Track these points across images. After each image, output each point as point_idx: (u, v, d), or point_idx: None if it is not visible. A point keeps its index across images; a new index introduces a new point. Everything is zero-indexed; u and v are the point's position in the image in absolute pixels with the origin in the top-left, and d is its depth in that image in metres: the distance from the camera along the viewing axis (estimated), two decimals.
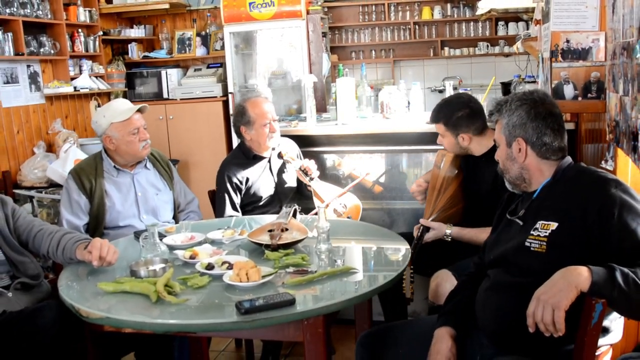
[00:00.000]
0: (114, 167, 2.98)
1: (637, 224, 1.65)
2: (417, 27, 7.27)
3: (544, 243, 1.75)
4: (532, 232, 1.79)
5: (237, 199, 3.25)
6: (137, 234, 2.70)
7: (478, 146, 2.71)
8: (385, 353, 2.06)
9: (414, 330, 2.10)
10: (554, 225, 1.75)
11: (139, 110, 2.97)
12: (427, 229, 2.70)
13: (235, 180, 3.23)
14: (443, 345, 1.90)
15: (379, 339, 2.10)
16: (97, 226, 2.92)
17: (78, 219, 2.88)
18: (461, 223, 2.78)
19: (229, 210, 3.21)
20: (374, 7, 7.30)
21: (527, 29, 6.22)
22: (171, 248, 2.48)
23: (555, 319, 1.55)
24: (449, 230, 2.67)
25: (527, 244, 1.79)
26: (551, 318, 1.55)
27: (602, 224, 1.67)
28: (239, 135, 3.30)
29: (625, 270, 1.57)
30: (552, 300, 1.56)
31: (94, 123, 3.01)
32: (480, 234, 2.50)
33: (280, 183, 3.37)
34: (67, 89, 4.96)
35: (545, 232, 1.76)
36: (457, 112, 2.68)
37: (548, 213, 1.79)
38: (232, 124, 3.36)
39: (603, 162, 2.47)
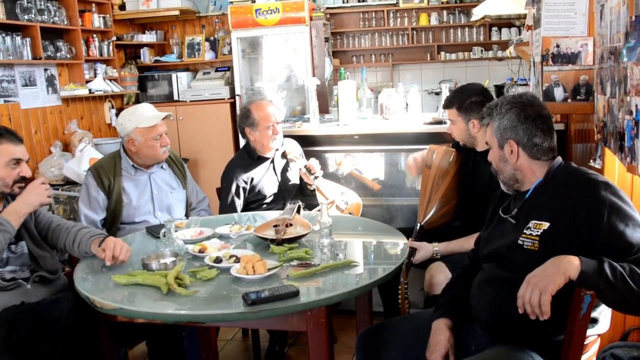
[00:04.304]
0: (132, 165, 2.98)
1: (625, 226, 1.65)
2: (415, 32, 7.26)
3: (537, 242, 1.75)
4: (524, 230, 1.79)
5: (240, 201, 3.24)
6: (149, 230, 2.71)
7: (484, 139, 2.62)
8: (385, 346, 2.06)
9: (412, 324, 2.10)
10: (545, 225, 1.75)
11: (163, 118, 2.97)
12: (414, 250, 2.61)
13: (241, 181, 3.22)
14: (441, 337, 1.90)
15: (379, 334, 2.10)
16: (113, 221, 2.92)
17: (95, 214, 2.89)
18: (456, 219, 2.77)
19: (231, 207, 3.20)
20: (374, 13, 7.29)
21: (519, 34, 6.21)
22: None
23: (542, 302, 1.55)
24: (437, 249, 2.60)
25: (520, 242, 1.79)
26: (537, 300, 1.56)
27: (591, 225, 1.66)
28: (244, 135, 3.30)
29: (615, 263, 1.57)
30: (540, 284, 1.57)
31: (118, 124, 2.99)
32: (468, 242, 2.46)
33: (283, 181, 3.36)
34: (83, 92, 4.97)
35: (538, 232, 1.75)
36: (471, 97, 2.65)
37: (540, 213, 1.78)
38: (237, 125, 3.35)
39: (591, 161, 2.46)
